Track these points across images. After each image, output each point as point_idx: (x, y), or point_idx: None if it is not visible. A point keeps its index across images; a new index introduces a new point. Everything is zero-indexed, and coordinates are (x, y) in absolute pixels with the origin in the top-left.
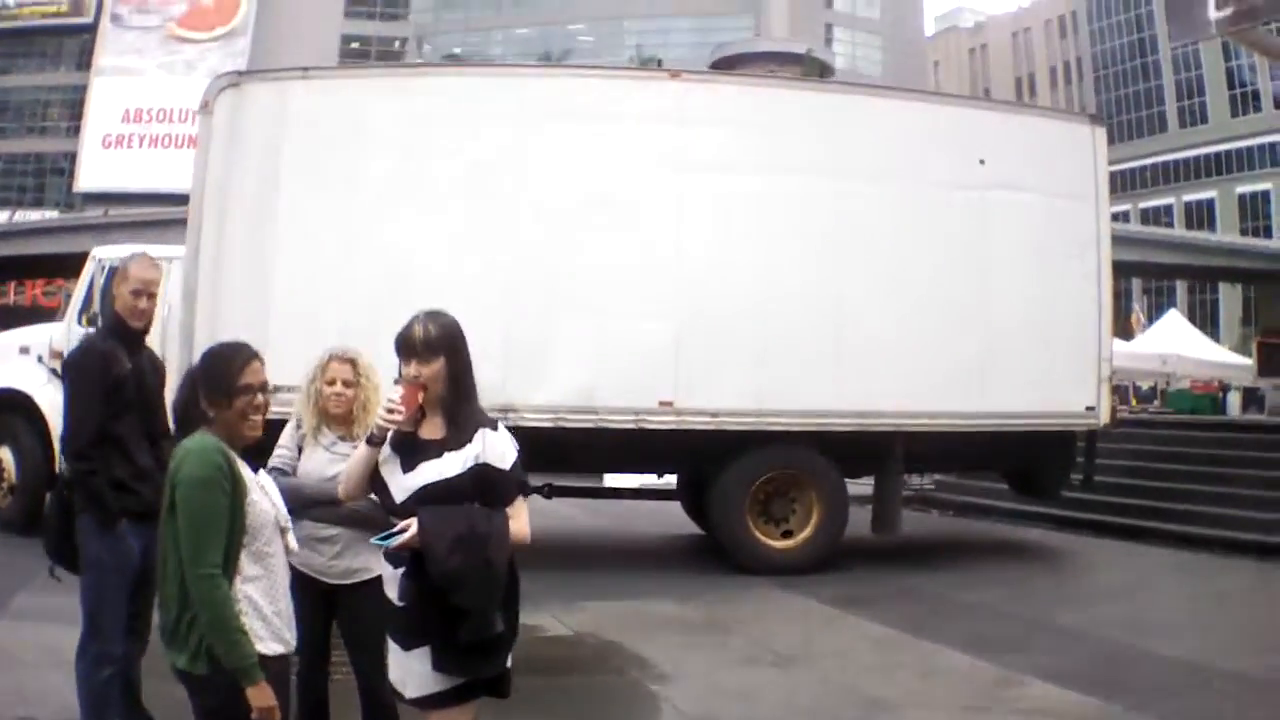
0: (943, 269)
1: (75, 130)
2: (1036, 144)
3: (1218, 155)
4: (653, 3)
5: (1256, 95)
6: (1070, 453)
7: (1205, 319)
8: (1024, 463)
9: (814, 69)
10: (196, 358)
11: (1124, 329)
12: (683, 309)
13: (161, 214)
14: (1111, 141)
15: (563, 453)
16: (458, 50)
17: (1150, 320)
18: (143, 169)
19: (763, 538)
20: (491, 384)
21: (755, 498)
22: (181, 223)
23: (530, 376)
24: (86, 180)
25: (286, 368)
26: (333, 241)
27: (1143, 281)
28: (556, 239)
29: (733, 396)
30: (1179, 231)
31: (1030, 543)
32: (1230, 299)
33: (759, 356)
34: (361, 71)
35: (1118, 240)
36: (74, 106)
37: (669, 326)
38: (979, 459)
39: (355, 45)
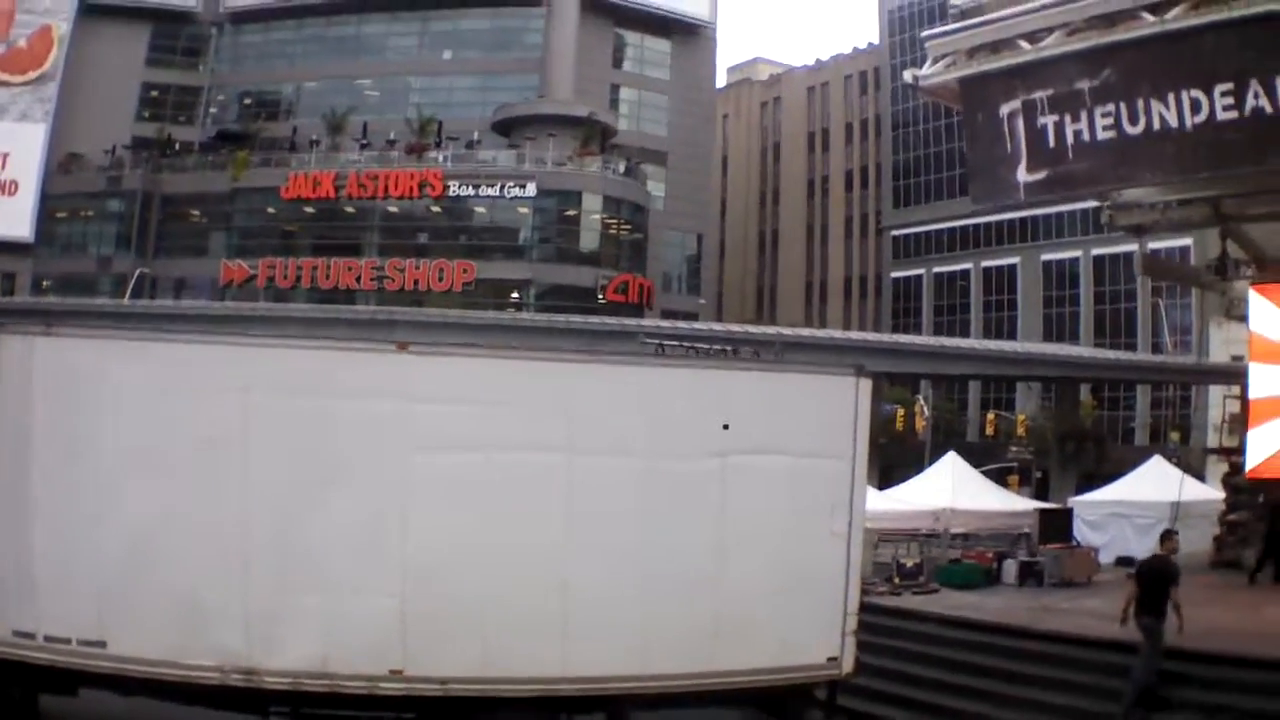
0: (678, 539)
1: None
2: (793, 402)
3: (1022, 221)
4: (439, 60)
5: None
6: (810, 695)
7: (1002, 388)
8: (762, 701)
9: (594, 132)
10: None
11: (910, 427)
12: (410, 584)
13: None
14: (907, 203)
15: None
16: (249, 101)
17: (932, 409)
18: None
19: None
20: (234, 649)
21: None
22: None
23: (268, 643)
24: None
25: (50, 617)
26: (82, 506)
27: None
28: (285, 514)
29: (460, 665)
30: (971, 342)
31: None
32: None
33: (485, 628)
34: (98, 331)
35: (909, 353)
36: None
37: (395, 602)
38: (715, 702)
39: (155, 94)
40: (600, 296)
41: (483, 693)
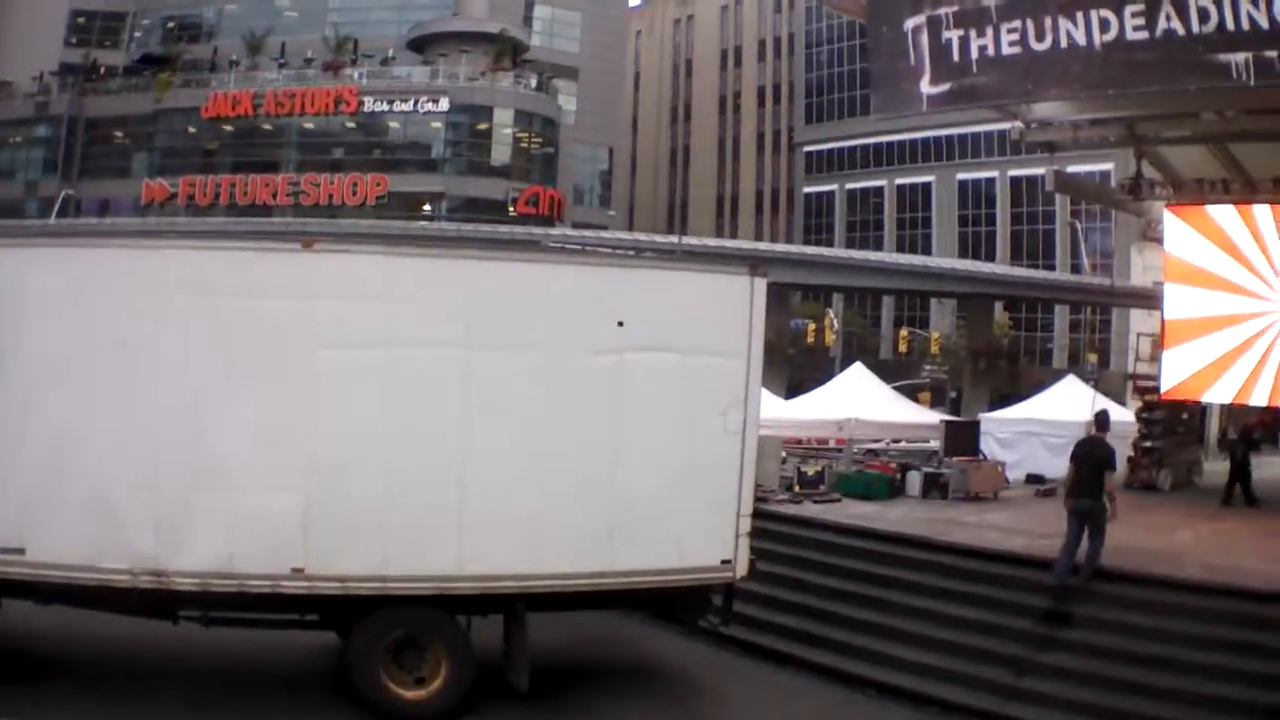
0: (573, 436)
1: None
2: (686, 300)
3: (936, 140)
4: None
5: None
6: (706, 599)
7: (916, 305)
8: (658, 605)
9: (507, 48)
10: None
11: (821, 341)
12: (312, 482)
13: None
14: (820, 120)
15: (216, 597)
16: (172, 25)
17: (842, 323)
18: None
19: (394, 688)
20: (144, 550)
21: (386, 649)
22: None
23: (177, 544)
24: None
25: None
26: (6, 414)
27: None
28: (193, 412)
29: (359, 564)
30: (885, 255)
31: (663, 662)
32: None
33: (384, 527)
34: (21, 240)
35: (817, 264)
36: None
37: (298, 499)
38: (610, 603)
39: (81, 20)
40: (511, 209)
41: (381, 591)
